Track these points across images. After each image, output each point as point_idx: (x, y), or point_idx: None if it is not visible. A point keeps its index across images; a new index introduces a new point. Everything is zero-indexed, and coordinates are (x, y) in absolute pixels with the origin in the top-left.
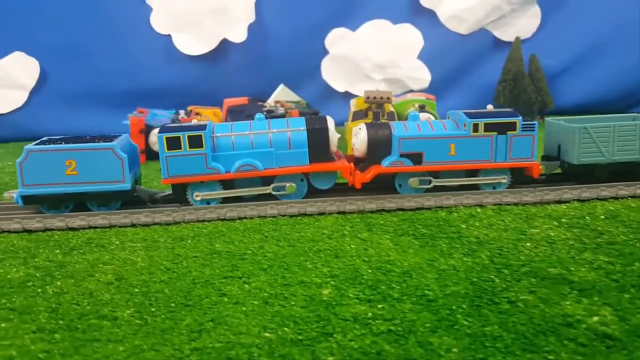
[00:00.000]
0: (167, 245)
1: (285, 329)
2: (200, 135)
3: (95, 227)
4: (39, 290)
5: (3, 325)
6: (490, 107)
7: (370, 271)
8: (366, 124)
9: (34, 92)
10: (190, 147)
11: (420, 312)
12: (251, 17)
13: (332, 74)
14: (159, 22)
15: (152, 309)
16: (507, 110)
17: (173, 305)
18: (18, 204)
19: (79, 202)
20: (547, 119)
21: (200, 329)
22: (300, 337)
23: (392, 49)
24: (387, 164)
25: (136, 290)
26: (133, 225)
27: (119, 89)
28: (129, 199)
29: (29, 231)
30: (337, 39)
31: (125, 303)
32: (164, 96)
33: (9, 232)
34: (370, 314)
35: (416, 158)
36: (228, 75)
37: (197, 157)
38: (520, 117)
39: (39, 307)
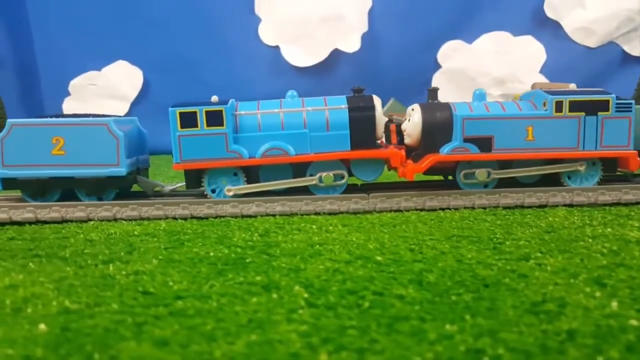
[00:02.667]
0: None
1: None
2: (221, 111)
3: None
4: None
5: None
6: (573, 85)
7: None
8: (421, 104)
9: (134, 104)
10: (208, 125)
11: None
12: (364, 27)
13: (444, 89)
14: (268, 33)
15: None
16: (595, 88)
17: None
18: None
19: (67, 190)
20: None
21: None
22: None
23: (513, 62)
24: (447, 151)
25: None
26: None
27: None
28: (127, 189)
29: None
30: (451, 52)
31: None
32: None
33: None
34: None
35: (484, 144)
36: (336, 88)
37: (216, 137)
38: (614, 95)
39: None
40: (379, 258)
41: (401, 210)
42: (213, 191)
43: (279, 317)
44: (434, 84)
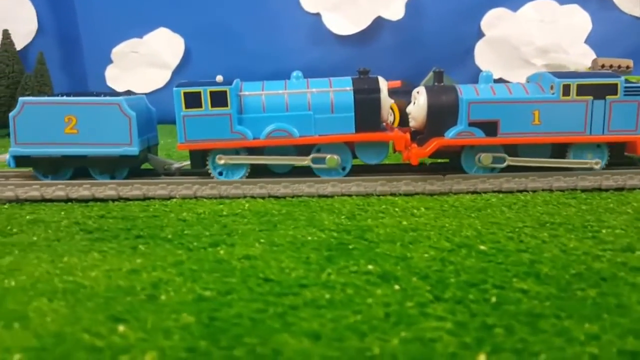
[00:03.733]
0: None
1: None
2: (225, 92)
3: None
4: None
5: None
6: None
7: None
8: (426, 86)
9: (176, 72)
10: (212, 106)
11: None
12: None
13: (487, 59)
14: (309, 1)
15: None
16: (604, 71)
17: None
18: (10, 165)
19: (80, 168)
20: None
21: None
22: None
23: (557, 32)
24: (452, 135)
25: None
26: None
27: (262, 71)
28: (138, 168)
29: None
30: (495, 20)
31: None
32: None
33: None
34: None
35: (490, 128)
36: (376, 57)
37: (220, 117)
38: (622, 78)
39: None
40: (482, 247)
41: (478, 192)
42: (220, 173)
43: (414, 312)
44: (476, 52)
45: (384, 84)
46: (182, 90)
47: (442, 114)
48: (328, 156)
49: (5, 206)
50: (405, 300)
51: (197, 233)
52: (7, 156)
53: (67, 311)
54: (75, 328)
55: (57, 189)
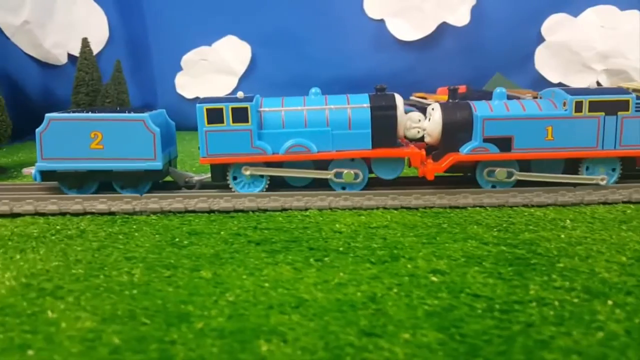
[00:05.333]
0: None
1: None
2: (246, 108)
3: None
4: None
5: None
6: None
7: None
8: (440, 103)
9: (242, 78)
10: (234, 122)
11: None
12: (473, 0)
13: (546, 63)
14: (373, 7)
15: None
16: (614, 87)
17: None
18: (36, 180)
19: (104, 182)
20: None
21: None
22: None
23: (617, 37)
24: (467, 151)
25: None
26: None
27: (324, 77)
28: (160, 182)
29: None
30: (556, 25)
31: None
32: (368, 84)
33: None
34: None
35: (504, 143)
36: (437, 62)
37: (241, 133)
38: (634, 95)
39: None
40: None
41: (609, 203)
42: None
43: None
44: (536, 57)
45: (400, 101)
46: (205, 106)
47: (456, 130)
48: (345, 171)
49: (154, 217)
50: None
51: (364, 245)
52: (33, 170)
53: (314, 325)
54: (339, 342)
55: (218, 201)
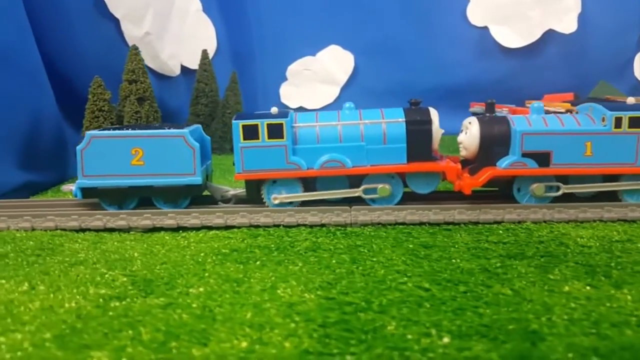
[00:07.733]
0: None
1: None
2: (282, 124)
3: None
4: None
5: None
6: (631, 99)
7: None
8: (478, 116)
9: (344, 88)
10: (269, 138)
11: None
12: (579, 7)
13: None
14: (476, 14)
15: None
16: None
17: None
18: (77, 197)
19: (143, 198)
20: None
21: None
22: None
23: None
24: (505, 165)
25: None
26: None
27: (423, 85)
28: (198, 197)
29: None
30: None
31: None
32: (468, 92)
33: None
34: None
35: (542, 158)
36: (540, 70)
37: (276, 149)
38: None
39: None
40: None
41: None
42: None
43: None
44: (635, 64)
45: (435, 115)
46: (241, 123)
47: (494, 144)
48: (380, 186)
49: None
50: None
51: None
52: (73, 187)
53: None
54: None
55: (329, 216)
